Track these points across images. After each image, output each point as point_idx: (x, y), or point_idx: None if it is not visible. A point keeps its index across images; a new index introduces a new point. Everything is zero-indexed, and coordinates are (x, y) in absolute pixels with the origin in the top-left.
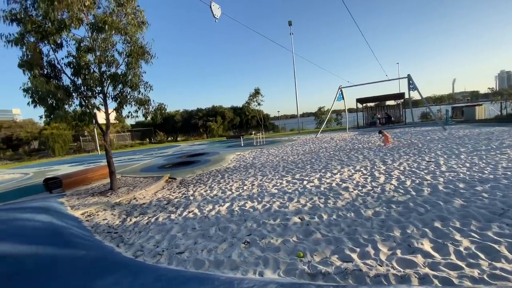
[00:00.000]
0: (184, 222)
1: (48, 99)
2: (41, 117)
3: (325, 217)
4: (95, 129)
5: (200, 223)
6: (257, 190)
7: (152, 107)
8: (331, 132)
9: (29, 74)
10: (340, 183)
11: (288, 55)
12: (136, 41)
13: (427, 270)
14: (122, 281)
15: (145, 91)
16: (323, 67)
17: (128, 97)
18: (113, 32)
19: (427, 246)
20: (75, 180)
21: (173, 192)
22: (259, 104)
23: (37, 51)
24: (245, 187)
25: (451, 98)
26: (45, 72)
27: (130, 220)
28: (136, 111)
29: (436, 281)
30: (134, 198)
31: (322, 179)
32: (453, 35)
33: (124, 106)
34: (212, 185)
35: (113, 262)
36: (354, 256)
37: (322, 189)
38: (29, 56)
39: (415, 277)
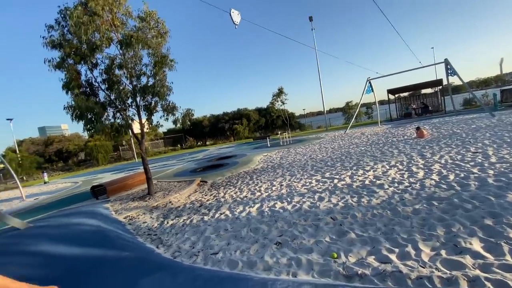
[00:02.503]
0: (216, 224)
1: (88, 114)
2: (83, 130)
3: (359, 216)
4: (131, 138)
5: (232, 224)
6: (286, 190)
7: (180, 113)
8: (362, 127)
9: (71, 94)
10: (374, 180)
11: (310, 51)
12: (159, 51)
13: (477, 272)
14: (163, 280)
15: (168, 95)
16: (349, 61)
17: (157, 105)
18: (140, 46)
19: (476, 245)
20: (117, 186)
21: (205, 195)
22: (283, 103)
23: (76, 72)
24: (274, 188)
25: (500, 80)
26: (84, 91)
27: (167, 222)
28: (166, 119)
29: (488, 284)
30: (170, 202)
31: (354, 176)
32: (497, 11)
33: (154, 115)
34: (242, 187)
35: (154, 262)
36: (393, 257)
37: (354, 187)
38: (69, 78)
39: (464, 279)
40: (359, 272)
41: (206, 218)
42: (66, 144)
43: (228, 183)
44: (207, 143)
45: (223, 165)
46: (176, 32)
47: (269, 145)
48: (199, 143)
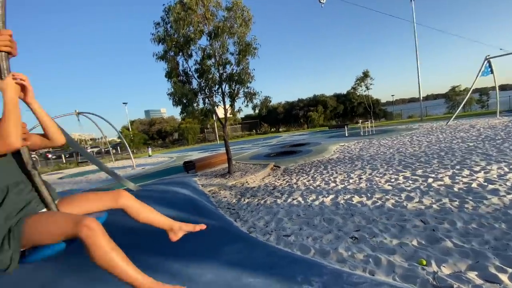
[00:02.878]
0: (289, 208)
1: (183, 99)
2: (180, 113)
3: (459, 224)
4: (215, 122)
5: (304, 211)
6: (366, 184)
7: (259, 100)
8: (471, 118)
9: (171, 82)
10: (485, 183)
11: (404, 28)
12: (244, 39)
13: None
14: (242, 250)
15: (250, 83)
16: (460, 35)
17: (240, 92)
18: (225, 35)
19: None
20: (204, 163)
21: (278, 179)
22: (367, 88)
23: (175, 62)
24: (351, 180)
25: None
26: (181, 79)
27: (244, 200)
28: (247, 105)
29: None
30: (246, 182)
31: (456, 177)
32: None
33: (236, 101)
34: (315, 176)
35: (234, 233)
36: (503, 277)
37: (455, 189)
38: (170, 68)
39: None
40: (455, 286)
41: (279, 201)
42: (164, 125)
43: (301, 170)
44: (280, 129)
45: (296, 152)
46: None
47: (346, 135)
48: (272, 130)
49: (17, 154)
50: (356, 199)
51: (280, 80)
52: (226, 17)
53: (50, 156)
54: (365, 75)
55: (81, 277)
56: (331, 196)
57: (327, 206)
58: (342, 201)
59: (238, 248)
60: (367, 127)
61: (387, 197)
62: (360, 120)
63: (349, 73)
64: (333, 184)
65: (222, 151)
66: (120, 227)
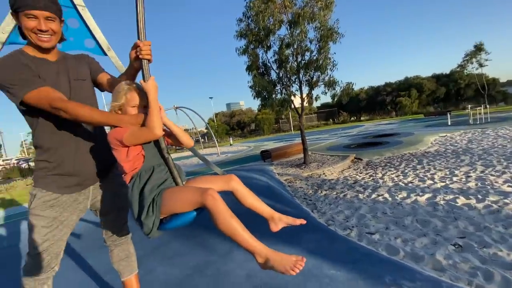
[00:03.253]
0: (373, 204)
1: (263, 92)
2: (259, 105)
3: None
4: (289, 112)
5: (392, 209)
6: (476, 184)
7: (340, 88)
8: None
9: (251, 75)
10: None
11: None
12: (325, 25)
13: None
14: (321, 241)
15: (332, 71)
16: None
17: (319, 80)
18: (306, 22)
19: None
20: (279, 153)
21: (360, 173)
22: (481, 65)
23: (255, 55)
24: (455, 178)
25: None
26: (261, 71)
27: (321, 192)
28: (326, 93)
29: None
30: (323, 173)
31: None
32: None
33: (314, 89)
34: (406, 171)
35: (312, 223)
36: None
37: None
38: (251, 62)
39: None
40: None
41: (361, 196)
42: (243, 116)
43: (388, 164)
44: (362, 118)
45: (381, 144)
46: None
47: (449, 123)
48: (352, 118)
49: (156, 142)
50: (461, 200)
51: (362, 63)
52: (306, 1)
53: None
54: (478, 48)
55: (186, 242)
56: (427, 195)
57: (421, 206)
58: (442, 202)
59: (316, 238)
60: (479, 113)
61: (506, 200)
62: (469, 106)
63: (454, 48)
64: (430, 182)
65: (298, 141)
66: None
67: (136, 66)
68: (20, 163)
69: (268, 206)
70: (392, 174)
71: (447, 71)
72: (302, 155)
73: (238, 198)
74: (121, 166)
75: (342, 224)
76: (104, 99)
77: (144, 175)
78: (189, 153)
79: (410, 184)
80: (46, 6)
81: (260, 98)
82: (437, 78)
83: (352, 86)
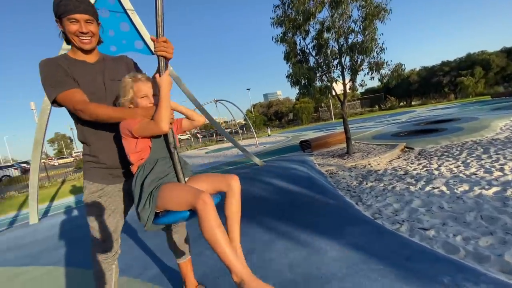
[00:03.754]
0: (427, 198)
1: (302, 80)
2: (299, 94)
3: None
4: (330, 100)
5: (451, 203)
6: None
7: (389, 70)
8: None
9: (289, 63)
10: None
11: None
12: (371, 2)
13: None
14: (367, 235)
15: (378, 54)
16: None
17: (364, 63)
18: (349, 0)
19: None
20: (320, 143)
21: (411, 163)
22: None
23: (293, 43)
24: None
25: None
26: (298, 59)
27: (366, 183)
28: (372, 77)
29: None
30: (369, 164)
31: None
32: None
33: (358, 74)
34: (468, 161)
35: (356, 216)
36: None
37: None
38: (289, 49)
39: None
40: None
41: (412, 188)
42: (280, 106)
43: (445, 153)
44: (413, 103)
45: (437, 130)
46: None
47: None
48: (401, 104)
49: (165, 136)
50: None
51: (412, 41)
52: None
53: (199, 136)
54: None
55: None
56: (494, 189)
57: (487, 200)
58: None
59: (362, 231)
60: None
61: None
62: None
63: None
64: (499, 173)
65: (339, 130)
66: (252, 193)
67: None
68: None
69: (304, 198)
70: (450, 164)
71: None
72: (344, 145)
73: (227, 199)
74: (128, 156)
75: (391, 218)
76: None
77: (147, 166)
78: (230, 144)
79: (473, 176)
80: (86, 10)
81: (299, 87)
82: (508, 53)
83: (402, 67)
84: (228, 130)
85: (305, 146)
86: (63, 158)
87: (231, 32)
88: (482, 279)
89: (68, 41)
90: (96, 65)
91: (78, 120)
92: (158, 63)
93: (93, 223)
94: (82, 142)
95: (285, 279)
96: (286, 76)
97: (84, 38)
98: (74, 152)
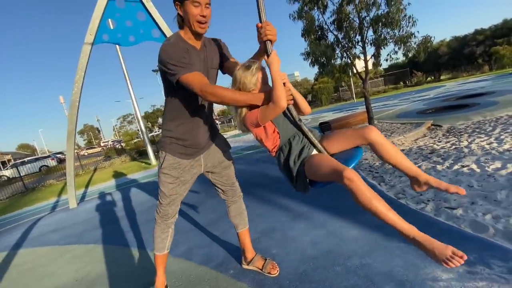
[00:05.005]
0: (455, 177)
1: (320, 58)
2: (318, 73)
3: None
4: (351, 78)
5: (481, 181)
6: None
7: (415, 43)
8: None
9: (307, 41)
10: None
11: None
12: None
13: None
14: None
15: (407, 26)
16: None
17: (387, 38)
18: None
19: None
20: (341, 124)
21: (438, 141)
22: None
23: (311, 18)
24: None
25: None
26: (317, 36)
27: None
28: (396, 52)
29: None
30: (392, 143)
31: None
32: None
33: (382, 49)
34: (501, 137)
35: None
36: None
37: None
38: (307, 26)
39: None
40: None
41: (439, 167)
42: (298, 88)
43: (477, 129)
44: (442, 77)
45: (468, 106)
46: None
47: None
48: (429, 79)
49: (285, 114)
50: None
51: (442, 8)
52: None
53: (218, 122)
54: None
55: (253, 212)
56: None
57: None
58: None
59: None
60: None
61: None
62: None
63: None
64: None
65: (361, 110)
66: (271, 176)
67: (261, 47)
68: (115, 144)
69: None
70: (482, 141)
71: None
72: (367, 125)
73: (377, 152)
74: (263, 144)
75: (415, 198)
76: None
77: (284, 149)
78: None
79: (507, 153)
80: None
81: (318, 66)
82: None
83: (431, 39)
84: None
85: (325, 128)
86: (92, 148)
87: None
88: (511, 256)
89: (181, 26)
90: (202, 52)
91: (177, 98)
92: (266, 46)
93: (164, 188)
94: (168, 120)
95: (307, 255)
96: (302, 54)
97: (202, 23)
98: (102, 142)
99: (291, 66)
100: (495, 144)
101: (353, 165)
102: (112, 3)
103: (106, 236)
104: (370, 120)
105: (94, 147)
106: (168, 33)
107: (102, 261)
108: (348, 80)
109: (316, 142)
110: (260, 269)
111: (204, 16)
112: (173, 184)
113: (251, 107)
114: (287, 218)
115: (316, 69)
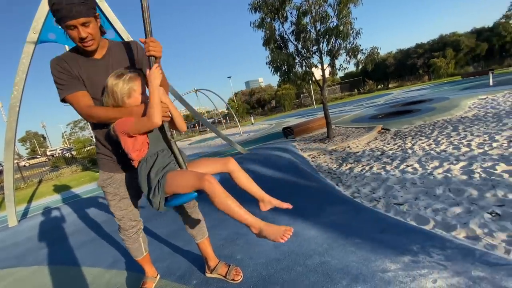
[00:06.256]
0: (401, 175)
1: (282, 66)
2: (280, 81)
3: None
4: (311, 86)
5: (422, 179)
6: None
7: (364, 54)
8: None
9: (268, 49)
10: None
11: None
12: None
13: None
14: (347, 213)
15: (354, 39)
16: None
17: (340, 48)
18: None
19: None
20: (302, 129)
21: (387, 144)
22: None
23: (271, 28)
24: (494, 144)
25: None
26: (278, 45)
27: (346, 165)
28: (348, 62)
29: None
30: (348, 147)
31: None
32: None
33: (336, 59)
34: (438, 139)
35: (336, 196)
36: None
37: None
38: (267, 35)
39: None
40: None
41: (388, 167)
42: (263, 94)
43: (419, 132)
44: (390, 85)
45: (411, 111)
46: None
47: (491, 84)
48: (379, 87)
49: (160, 128)
50: (501, 167)
51: (387, 24)
52: None
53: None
54: None
55: (217, 218)
56: (461, 164)
57: (455, 175)
58: (478, 170)
59: (341, 210)
60: None
61: None
62: None
63: None
64: (466, 149)
65: (320, 115)
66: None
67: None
68: (64, 152)
69: (286, 182)
70: (423, 143)
71: (490, 24)
72: (325, 130)
73: (234, 179)
74: (129, 154)
75: (368, 196)
76: None
77: (149, 160)
78: (213, 134)
79: (443, 153)
80: (78, 12)
81: (279, 73)
82: (478, 33)
83: (377, 51)
84: (211, 120)
85: (288, 132)
86: (34, 158)
87: (209, 19)
88: (448, 245)
89: None
90: (104, 60)
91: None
92: (149, 62)
93: (110, 206)
94: (95, 137)
95: (270, 258)
96: (267, 63)
97: (85, 43)
98: (49, 151)
99: (256, 72)
100: (433, 146)
101: (179, 202)
102: None
103: (52, 256)
104: (328, 125)
105: (37, 157)
106: (124, 33)
107: (48, 284)
108: (308, 87)
109: (182, 162)
110: (223, 276)
111: (83, 38)
112: (113, 200)
113: None
114: None
115: (277, 76)
